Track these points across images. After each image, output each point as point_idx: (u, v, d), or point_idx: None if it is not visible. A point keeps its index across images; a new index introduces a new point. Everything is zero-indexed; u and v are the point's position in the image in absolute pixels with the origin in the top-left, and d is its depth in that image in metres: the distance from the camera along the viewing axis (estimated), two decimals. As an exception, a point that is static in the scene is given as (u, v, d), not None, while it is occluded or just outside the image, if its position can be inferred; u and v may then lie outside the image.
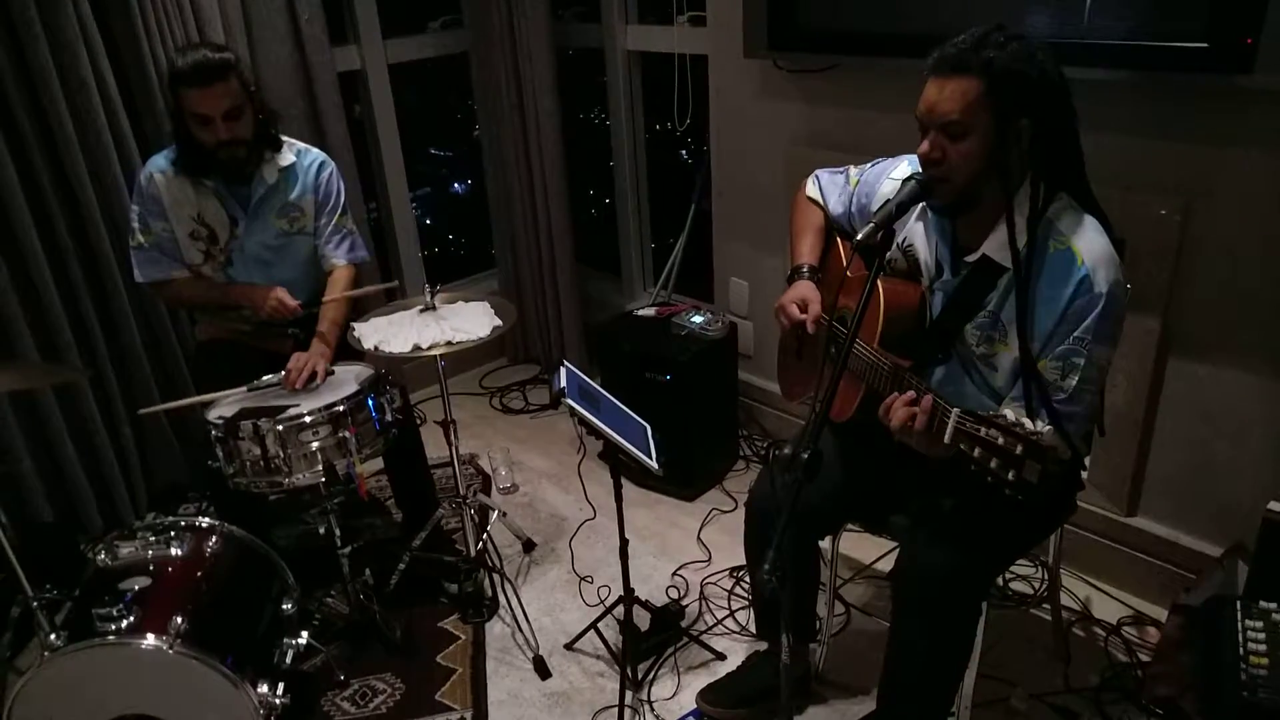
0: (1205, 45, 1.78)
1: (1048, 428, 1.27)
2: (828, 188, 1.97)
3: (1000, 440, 1.29)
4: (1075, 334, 1.48)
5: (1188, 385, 2.17)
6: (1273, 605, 1.54)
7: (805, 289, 1.83)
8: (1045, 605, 2.35)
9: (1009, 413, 1.30)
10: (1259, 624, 1.51)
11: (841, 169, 1.96)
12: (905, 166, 1.78)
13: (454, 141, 4.98)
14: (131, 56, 2.62)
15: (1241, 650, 1.47)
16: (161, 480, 3.05)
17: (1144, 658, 2.21)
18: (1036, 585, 2.42)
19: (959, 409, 1.37)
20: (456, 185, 5.13)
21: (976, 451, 1.32)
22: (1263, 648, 1.47)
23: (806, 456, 1.38)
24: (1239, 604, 1.56)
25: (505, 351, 4.00)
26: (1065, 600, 2.32)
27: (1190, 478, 2.24)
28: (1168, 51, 1.84)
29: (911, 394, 1.49)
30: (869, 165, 1.88)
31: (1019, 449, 1.26)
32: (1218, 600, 1.64)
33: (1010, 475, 1.27)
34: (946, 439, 1.38)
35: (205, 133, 2.19)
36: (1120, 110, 2.02)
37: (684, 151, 4.19)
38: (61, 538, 2.75)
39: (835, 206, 1.94)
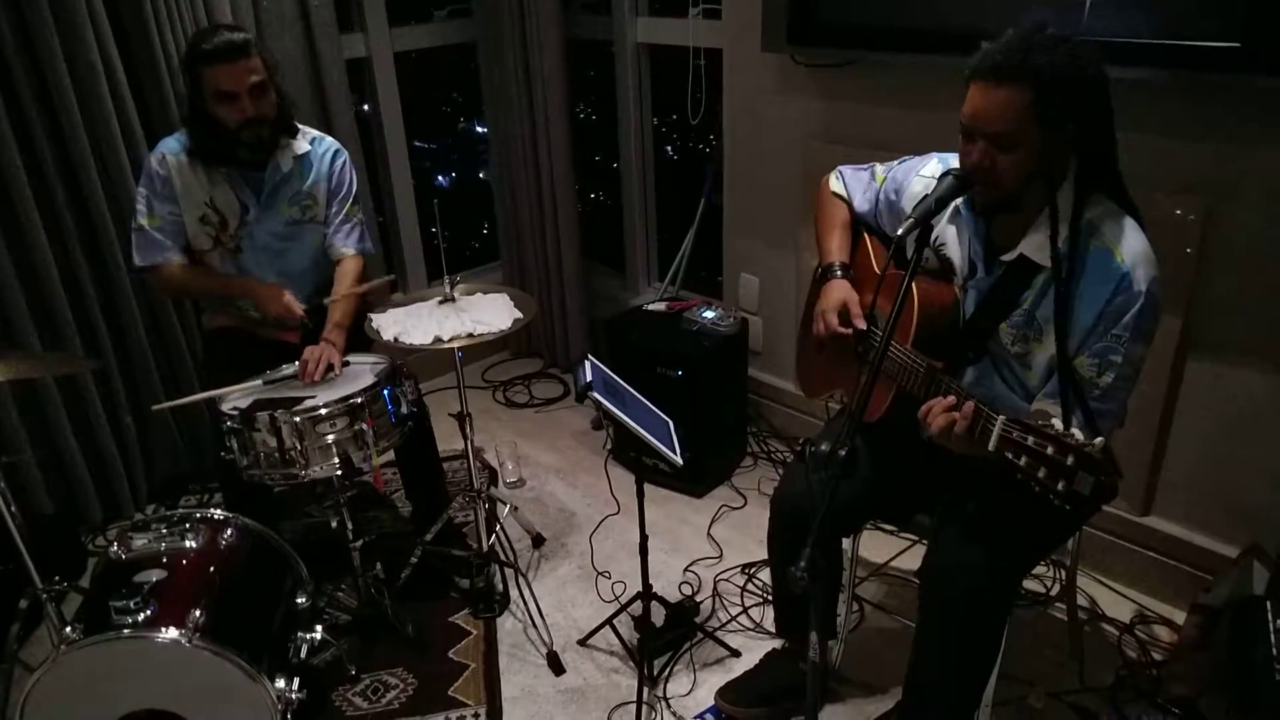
0: (1238, 45, 1.78)
1: (1100, 439, 1.25)
2: (852, 184, 1.95)
3: (1050, 450, 1.26)
4: (1114, 331, 1.48)
5: (1206, 386, 2.18)
6: (1303, 606, 1.54)
7: (843, 291, 1.82)
8: (1058, 604, 2.36)
9: (1057, 421, 1.29)
10: (1290, 624, 1.51)
11: (865, 166, 1.94)
12: (935, 164, 1.76)
13: (438, 134, 4.95)
14: (140, 41, 2.58)
15: (1275, 650, 1.47)
16: (162, 472, 3.01)
17: (1158, 657, 2.22)
18: (1049, 584, 2.42)
19: (1004, 417, 1.36)
20: (440, 178, 5.11)
21: (1023, 460, 1.31)
22: (1295, 648, 1.47)
23: (844, 453, 1.37)
24: (1269, 604, 1.56)
25: (508, 345, 3.97)
26: (1078, 599, 2.33)
27: (1206, 478, 2.25)
28: (1199, 51, 1.83)
29: (952, 399, 1.47)
30: (895, 162, 1.87)
31: (1070, 460, 1.24)
32: (1246, 600, 1.64)
33: (1060, 485, 1.26)
34: (991, 446, 1.36)
35: (231, 110, 2.16)
36: (1144, 109, 2.01)
37: (669, 149, 4.18)
38: (61, 529, 2.71)
39: (861, 204, 1.93)
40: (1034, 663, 2.19)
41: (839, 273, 1.85)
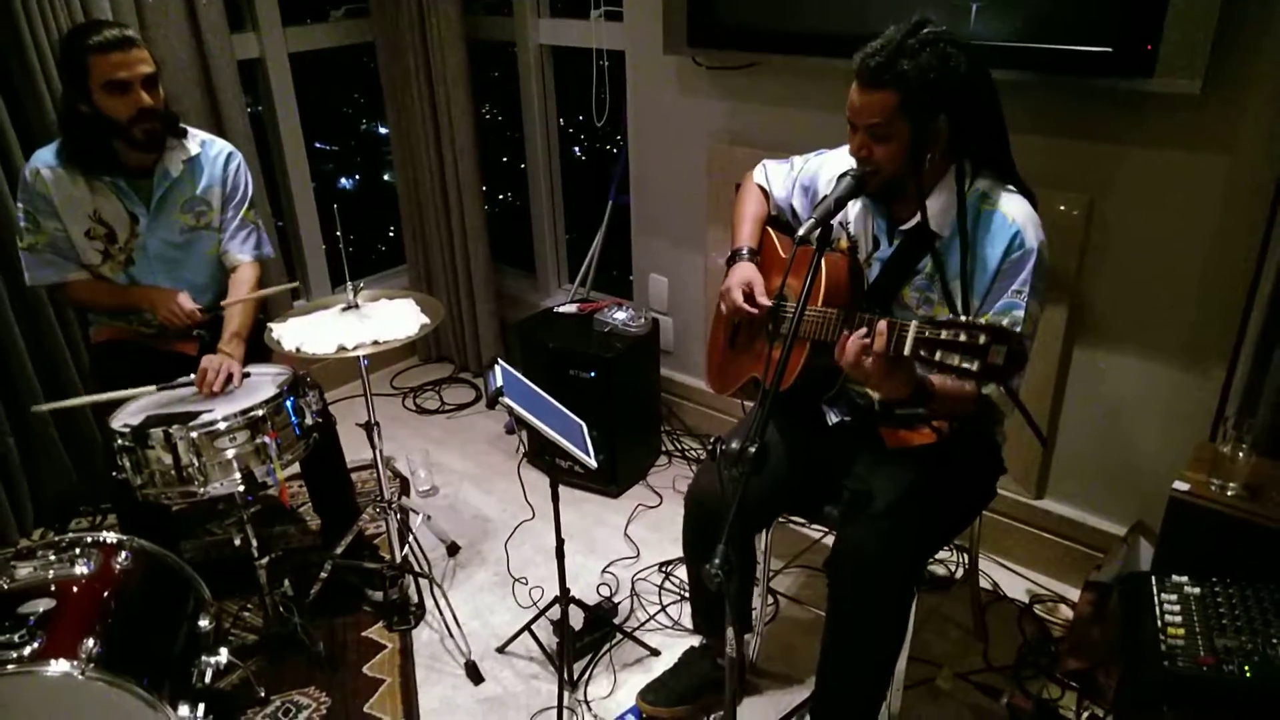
0: (1110, 50, 1.88)
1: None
2: (774, 174, 2.05)
3: (963, 337, 1.32)
4: (1013, 287, 1.58)
5: (1092, 372, 2.29)
6: (1184, 579, 1.63)
7: (749, 271, 1.89)
8: (962, 586, 2.44)
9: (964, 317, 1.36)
10: (1174, 597, 1.60)
11: (787, 159, 2.04)
12: (847, 159, 1.81)
13: (339, 136, 4.84)
14: (10, 42, 2.43)
15: (1160, 623, 1.55)
16: (49, 495, 2.85)
17: (1055, 633, 2.32)
18: (953, 568, 2.51)
19: (917, 321, 1.39)
20: (344, 181, 5.00)
21: (938, 355, 1.35)
22: (1179, 619, 1.55)
23: (754, 450, 1.39)
24: (1154, 579, 1.64)
25: (417, 350, 3.90)
26: (980, 581, 2.41)
27: (1095, 461, 2.36)
28: (1075, 55, 1.93)
29: (863, 330, 1.49)
30: (811, 155, 1.97)
31: (983, 338, 1.30)
32: (1134, 576, 1.72)
33: (976, 366, 1.31)
34: (907, 350, 1.39)
35: (123, 103, 2.06)
36: (1026, 109, 2.09)
37: (576, 148, 4.17)
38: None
39: (779, 191, 2.02)
40: (941, 645, 2.27)
41: (745, 256, 1.93)
